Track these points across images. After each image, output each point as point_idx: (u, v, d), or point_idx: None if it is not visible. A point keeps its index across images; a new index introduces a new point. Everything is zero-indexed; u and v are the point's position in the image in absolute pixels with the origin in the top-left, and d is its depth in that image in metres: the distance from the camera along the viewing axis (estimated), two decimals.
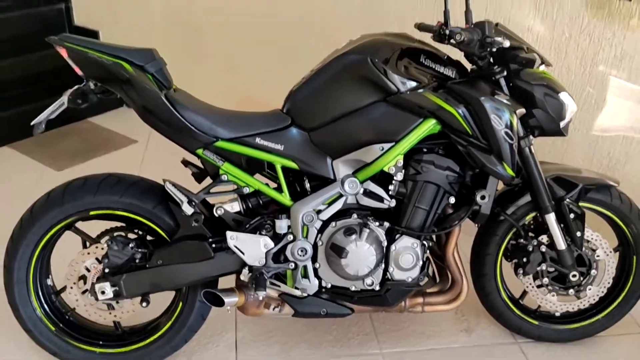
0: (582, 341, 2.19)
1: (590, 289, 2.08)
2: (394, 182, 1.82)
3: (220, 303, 1.88)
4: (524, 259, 2.01)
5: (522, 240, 2.02)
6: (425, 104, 1.75)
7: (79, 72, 1.75)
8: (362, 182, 1.82)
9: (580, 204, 1.96)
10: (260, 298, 1.89)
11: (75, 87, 1.78)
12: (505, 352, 2.18)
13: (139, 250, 1.88)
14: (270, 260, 1.85)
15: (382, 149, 1.79)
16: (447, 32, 1.75)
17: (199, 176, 1.93)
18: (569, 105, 1.82)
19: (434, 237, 1.96)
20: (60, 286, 2.00)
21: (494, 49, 1.74)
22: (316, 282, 1.90)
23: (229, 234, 1.82)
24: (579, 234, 1.96)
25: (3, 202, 2.99)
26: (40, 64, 3.80)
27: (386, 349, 2.18)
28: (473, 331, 2.27)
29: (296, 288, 1.90)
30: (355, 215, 1.86)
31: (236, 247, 1.83)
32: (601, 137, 2.51)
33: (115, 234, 1.91)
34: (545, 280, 2.05)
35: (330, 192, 1.82)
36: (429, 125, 1.77)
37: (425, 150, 1.84)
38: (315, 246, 1.87)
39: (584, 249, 2.02)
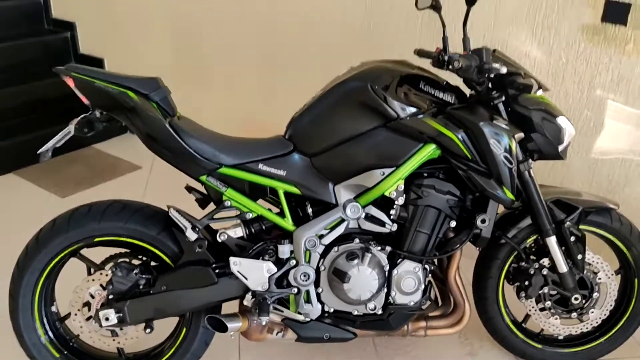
0: None
1: (592, 312, 2.08)
2: (395, 206, 1.84)
3: (224, 328, 1.88)
4: (526, 282, 2.01)
5: (523, 264, 2.02)
6: (425, 130, 1.77)
7: (86, 101, 1.77)
8: (363, 207, 1.83)
9: (581, 226, 1.97)
10: (264, 323, 1.90)
11: (82, 116, 1.79)
12: None
13: (143, 276, 1.89)
14: (273, 285, 1.86)
15: (383, 173, 1.81)
16: (446, 58, 1.77)
17: (202, 202, 1.94)
18: (566, 129, 1.83)
19: (435, 261, 1.97)
20: (64, 313, 2.00)
21: (492, 75, 1.77)
22: (319, 306, 1.91)
23: (232, 259, 1.83)
24: (580, 256, 1.97)
25: (8, 229, 3.01)
26: (47, 91, 3.86)
27: None
28: (476, 355, 2.26)
29: (299, 313, 1.91)
30: (357, 240, 1.87)
31: (239, 272, 1.84)
32: (600, 160, 2.53)
33: (120, 260, 1.91)
34: (548, 303, 2.05)
35: (332, 217, 1.83)
36: (429, 150, 1.79)
37: (425, 174, 1.85)
38: (317, 271, 1.87)
39: (585, 271, 2.02)
